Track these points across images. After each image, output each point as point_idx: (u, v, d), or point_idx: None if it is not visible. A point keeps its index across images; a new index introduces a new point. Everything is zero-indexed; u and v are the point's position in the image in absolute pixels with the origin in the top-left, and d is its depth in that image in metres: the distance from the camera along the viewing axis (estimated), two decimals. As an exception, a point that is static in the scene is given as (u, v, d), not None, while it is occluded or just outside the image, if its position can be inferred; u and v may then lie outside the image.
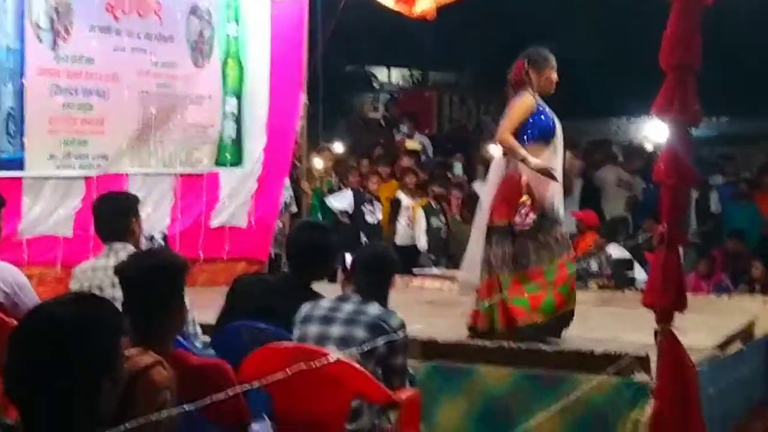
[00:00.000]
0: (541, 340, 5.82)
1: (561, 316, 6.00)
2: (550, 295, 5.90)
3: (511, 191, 5.97)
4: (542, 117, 6.05)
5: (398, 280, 9.17)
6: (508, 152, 6.04)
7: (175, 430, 2.91)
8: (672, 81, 4.56)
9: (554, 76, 6.17)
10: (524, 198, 5.89)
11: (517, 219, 5.87)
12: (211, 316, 5.04)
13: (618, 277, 9.06)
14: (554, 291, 5.92)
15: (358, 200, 11.19)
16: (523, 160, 5.90)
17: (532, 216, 5.88)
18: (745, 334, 7.10)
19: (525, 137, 6.01)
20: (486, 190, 6.35)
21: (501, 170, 6.12)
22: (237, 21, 8.96)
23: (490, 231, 6.02)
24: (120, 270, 3.60)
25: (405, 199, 11.48)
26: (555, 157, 6.10)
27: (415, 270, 10.21)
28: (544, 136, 6.07)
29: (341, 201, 11.27)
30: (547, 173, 5.91)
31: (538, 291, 5.91)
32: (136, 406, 2.69)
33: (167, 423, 2.74)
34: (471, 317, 6.06)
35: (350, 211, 11.14)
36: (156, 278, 3.46)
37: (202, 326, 5.03)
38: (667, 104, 4.59)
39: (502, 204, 6.01)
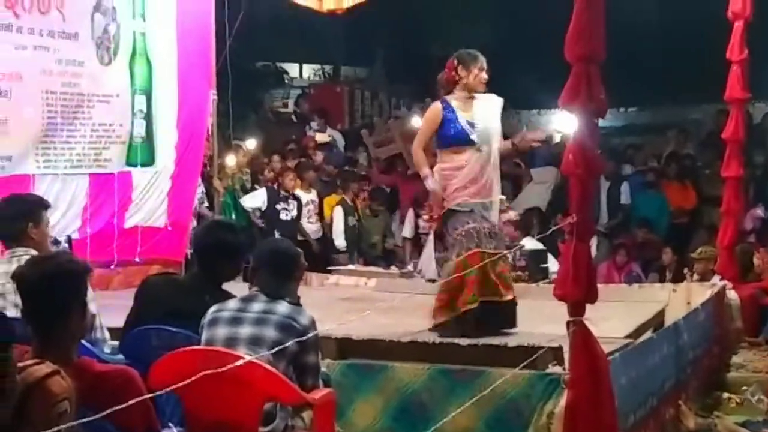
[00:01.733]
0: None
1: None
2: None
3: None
4: (451, 123, 6.24)
5: (313, 277, 9.24)
6: (415, 160, 6.39)
7: None
8: (577, 72, 4.60)
9: (483, 75, 6.36)
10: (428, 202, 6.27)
11: (421, 222, 6.13)
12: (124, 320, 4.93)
13: (532, 270, 9.12)
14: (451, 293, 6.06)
15: (272, 198, 11.10)
16: (424, 179, 6.21)
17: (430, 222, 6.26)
18: (656, 322, 7.23)
19: (438, 146, 6.32)
20: None
21: None
22: (143, 17, 8.83)
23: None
24: (17, 276, 3.49)
25: (304, 196, 11.42)
26: (479, 156, 6.23)
27: (331, 267, 10.18)
28: (457, 141, 6.24)
29: (255, 200, 11.18)
30: (437, 200, 6.16)
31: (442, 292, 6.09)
32: (33, 419, 2.60)
33: None
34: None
35: (264, 209, 11.05)
36: (54, 284, 3.34)
37: (114, 330, 4.91)
38: (574, 96, 4.62)
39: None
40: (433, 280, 6.97)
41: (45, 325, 3.30)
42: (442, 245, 6.27)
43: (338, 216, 11.60)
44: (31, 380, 2.69)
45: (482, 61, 6.36)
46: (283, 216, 11.07)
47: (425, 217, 6.37)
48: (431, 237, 6.60)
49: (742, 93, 8.48)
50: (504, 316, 6.13)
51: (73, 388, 2.78)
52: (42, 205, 5.28)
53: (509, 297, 6.13)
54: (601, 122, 4.97)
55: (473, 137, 6.23)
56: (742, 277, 8.88)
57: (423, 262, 7.12)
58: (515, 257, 9.21)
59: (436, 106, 6.32)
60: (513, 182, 13.08)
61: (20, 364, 2.69)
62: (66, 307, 3.34)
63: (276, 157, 12.22)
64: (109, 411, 2.69)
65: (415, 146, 6.41)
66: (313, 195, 11.63)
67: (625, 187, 12.54)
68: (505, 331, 6.05)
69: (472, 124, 6.25)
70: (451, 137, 6.25)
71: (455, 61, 6.33)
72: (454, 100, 6.31)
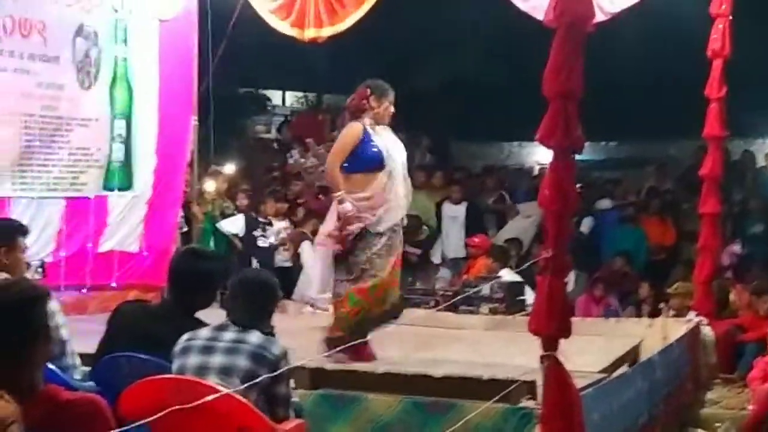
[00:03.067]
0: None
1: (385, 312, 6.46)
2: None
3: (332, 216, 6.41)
4: (369, 146, 6.38)
5: (290, 305, 9.20)
6: (330, 179, 6.47)
7: None
8: (554, 108, 4.62)
9: (391, 108, 6.52)
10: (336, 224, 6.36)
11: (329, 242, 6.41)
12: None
13: (509, 301, 9.12)
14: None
15: (250, 225, 11.07)
16: (340, 200, 6.32)
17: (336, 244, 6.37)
18: (632, 356, 7.23)
19: (352, 168, 6.40)
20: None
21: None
22: (125, 42, 8.83)
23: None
24: None
25: (277, 223, 11.38)
26: (392, 181, 6.43)
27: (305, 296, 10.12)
28: (372, 166, 6.39)
29: (233, 225, 11.13)
30: (350, 221, 6.29)
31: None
32: None
33: None
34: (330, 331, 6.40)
35: (241, 235, 11.01)
36: (10, 315, 3.27)
37: (88, 356, 4.87)
38: (550, 131, 4.64)
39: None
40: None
41: (5, 355, 3.23)
42: (344, 267, 6.37)
43: (306, 246, 11.50)
44: None
45: (392, 93, 6.53)
46: (260, 243, 11.04)
47: (330, 239, 6.40)
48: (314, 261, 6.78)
49: (720, 130, 8.53)
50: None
51: (18, 410, 2.72)
52: (20, 231, 5.25)
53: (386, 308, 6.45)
54: (580, 156, 5.00)
55: (387, 161, 6.40)
56: (718, 313, 8.91)
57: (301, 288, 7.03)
58: (493, 288, 9.23)
59: (358, 126, 6.40)
60: (498, 217, 13.13)
61: None
62: (23, 337, 3.26)
63: (256, 185, 12.22)
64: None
65: (332, 164, 6.42)
66: (286, 223, 11.57)
67: (587, 221, 12.56)
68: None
69: (384, 149, 6.41)
70: (368, 159, 6.37)
71: (368, 90, 6.46)
72: (366, 125, 6.44)
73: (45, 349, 3.36)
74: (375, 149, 6.37)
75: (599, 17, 6.49)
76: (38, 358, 3.31)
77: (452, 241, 12.39)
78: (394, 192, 6.44)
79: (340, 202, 6.31)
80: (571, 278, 10.62)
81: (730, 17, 8.34)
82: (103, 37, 8.61)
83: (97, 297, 8.60)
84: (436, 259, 12.26)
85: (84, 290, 8.55)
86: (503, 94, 16.04)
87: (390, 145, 6.48)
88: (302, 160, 13.22)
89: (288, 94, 20.02)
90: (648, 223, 12.49)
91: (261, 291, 4.45)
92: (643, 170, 14.41)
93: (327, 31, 8.91)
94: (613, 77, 14.23)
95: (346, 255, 6.39)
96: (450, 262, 12.41)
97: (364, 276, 6.35)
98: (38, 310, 3.30)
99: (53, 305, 3.59)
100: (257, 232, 11.04)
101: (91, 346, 4.85)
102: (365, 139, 6.36)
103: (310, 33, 8.91)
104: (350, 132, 6.41)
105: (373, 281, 6.35)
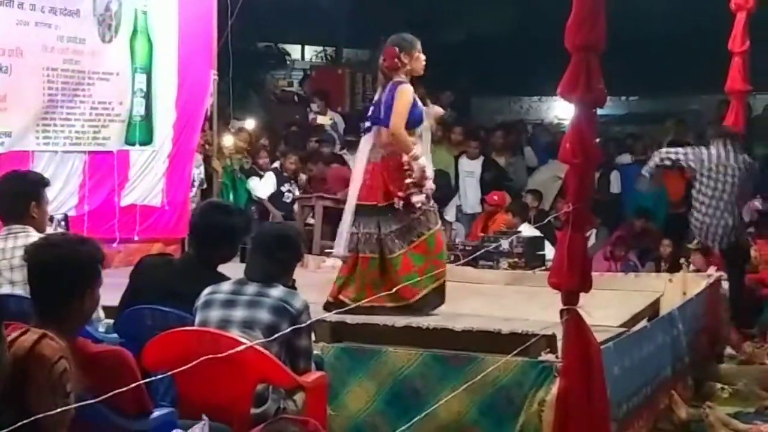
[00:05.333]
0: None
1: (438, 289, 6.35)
2: (431, 265, 6.29)
3: (393, 173, 6.30)
4: (416, 107, 6.40)
5: (310, 260, 9.24)
6: (398, 145, 6.31)
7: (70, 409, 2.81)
8: (577, 62, 4.59)
9: (422, 57, 6.50)
10: (409, 180, 6.26)
11: (412, 198, 6.28)
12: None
13: (529, 256, 9.12)
14: (434, 261, 6.32)
15: (278, 181, 11.17)
16: (415, 158, 6.27)
17: (420, 197, 6.31)
18: (651, 311, 7.24)
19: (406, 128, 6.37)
20: (355, 172, 6.67)
21: (368, 155, 6.45)
22: (145, -5, 8.80)
23: (358, 210, 6.41)
24: (29, 256, 3.45)
25: (302, 176, 11.44)
26: (422, 142, 6.48)
27: (328, 249, 10.17)
28: (416, 126, 6.42)
29: (267, 187, 11.18)
30: (422, 175, 6.29)
31: (422, 263, 6.28)
32: (36, 385, 2.61)
33: (63, 397, 2.66)
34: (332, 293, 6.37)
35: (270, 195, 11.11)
36: (67, 268, 3.31)
37: (110, 309, 4.92)
38: (573, 85, 4.62)
39: (375, 185, 6.35)
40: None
41: (53, 308, 3.28)
42: (396, 219, 6.30)
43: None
44: (22, 352, 2.68)
45: (418, 43, 6.50)
46: (285, 198, 11.10)
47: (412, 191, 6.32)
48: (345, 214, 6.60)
49: (743, 85, 8.48)
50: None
51: (65, 347, 2.78)
52: (43, 183, 5.27)
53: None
54: (601, 110, 4.98)
55: (425, 118, 6.51)
56: (738, 268, 8.89)
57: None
58: (512, 243, 9.23)
59: (409, 87, 6.40)
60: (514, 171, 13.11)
61: (9, 338, 2.70)
62: (78, 291, 3.33)
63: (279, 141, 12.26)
64: (106, 396, 2.70)
65: (398, 127, 6.32)
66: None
67: (615, 176, 12.53)
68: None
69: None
70: (415, 119, 6.38)
71: (396, 49, 6.42)
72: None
73: (91, 308, 3.43)
74: (418, 109, 6.43)
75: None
76: (83, 315, 3.38)
77: (470, 197, 12.35)
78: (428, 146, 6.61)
79: (414, 158, 6.27)
80: (592, 233, 10.63)
81: (754, -30, 8.25)
82: (123, -10, 8.59)
83: (122, 251, 8.67)
84: (450, 216, 12.19)
85: (114, 245, 8.59)
86: (524, 48, 15.92)
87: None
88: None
89: (307, 48, 19.91)
90: (669, 178, 12.40)
91: (281, 245, 4.46)
92: (664, 125, 14.30)
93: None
94: (635, 31, 14.10)
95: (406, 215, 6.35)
96: (466, 217, 12.37)
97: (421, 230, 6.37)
98: (93, 268, 3.36)
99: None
100: (284, 188, 11.11)
101: (115, 300, 4.90)
102: (414, 100, 6.39)
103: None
104: (406, 95, 6.35)
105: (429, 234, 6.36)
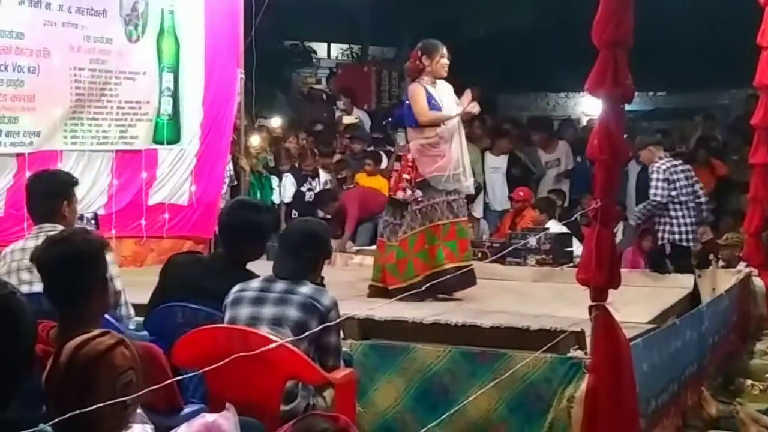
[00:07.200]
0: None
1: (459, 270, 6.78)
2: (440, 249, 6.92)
3: (401, 168, 7.00)
4: (431, 101, 6.99)
5: (338, 257, 9.26)
6: (433, 122, 6.96)
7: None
8: (604, 57, 4.58)
9: (445, 61, 7.06)
10: (407, 175, 6.92)
11: (400, 194, 6.92)
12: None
13: (556, 253, 9.10)
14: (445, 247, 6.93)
15: (298, 181, 11.22)
16: (448, 118, 6.96)
17: (415, 192, 6.89)
18: (680, 308, 7.21)
19: (415, 121, 7.03)
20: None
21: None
22: (172, -6, 8.84)
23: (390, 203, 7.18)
24: (35, 257, 3.51)
25: (323, 175, 11.48)
26: (447, 129, 7.00)
27: (356, 248, 10.21)
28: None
29: (288, 192, 11.27)
30: (467, 113, 7.12)
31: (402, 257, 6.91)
32: (98, 390, 2.62)
33: (121, 409, 2.68)
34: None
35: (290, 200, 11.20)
36: (71, 265, 3.36)
37: (141, 306, 4.95)
38: (600, 80, 4.61)
39: (396, 180, 7.03)
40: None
41: (66, 304, 3.33)
42: (400, 212, 7.01)
43: None
44: (94, 353, 2.69)
45: (443, 48, 7.06)
46: (307, 198, 11.15)
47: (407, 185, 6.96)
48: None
49: (772, 79, 8.39)
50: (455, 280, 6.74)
51: (137, 357, 2.79)
52: (73, 182, 5.30)
53: (452, 265, 6.86)
54: (629, 106, 4.96)
55: (444, 112, 7.01)
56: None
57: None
58: (540, 240, 9.22)
59: (418, 86, 7.02)
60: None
61: (84, 336, 2.71)
62: (85, 285, 3.37)
63: (303, 136, 12.27)
64: (139, 394, 2.71)
65: (423, 116, 6.95)
66: (330, 176, 11.65)
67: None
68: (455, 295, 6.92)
69: (440, 102, 7.02)
70: (432, 107, 6.98)
71: (419, 52, 7.04)
72: (424, 84, 7.03)
73: (104, 299, 3.46)
74: (435, 101, 6.99)
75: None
76: (98, 308, 3.41)
77: (497, 194, 12.31)
78: (450, 142, 7.04)
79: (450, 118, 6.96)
80: (619, 229, 10.57)
81: (784, -37, 8.17)
82: (149, -11, 8.62)
83: (154, 249, 8.72)
84: (477, 212, 12.14)
85: (142, 242, 8.65)
86: (551, 44, 15.87)
87: (444, 97, 7.08)
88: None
89: (333, 46, 19.96)
90: (698, 173, 12.31)
91: (308, 243, 4.47)
92: (692, 120, 14.21)
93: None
94: (662, 26, 14.03)
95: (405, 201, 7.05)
96: (495, 214, 12.32)
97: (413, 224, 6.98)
98: (96, 260, 3.39)
99: (109, 256, 3.66)
100: (304, 188, 11.15)
101: (146, 298, 4.93)
102: (428, 96, 6.97)
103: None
104: (416, 93, 7.00)
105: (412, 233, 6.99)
